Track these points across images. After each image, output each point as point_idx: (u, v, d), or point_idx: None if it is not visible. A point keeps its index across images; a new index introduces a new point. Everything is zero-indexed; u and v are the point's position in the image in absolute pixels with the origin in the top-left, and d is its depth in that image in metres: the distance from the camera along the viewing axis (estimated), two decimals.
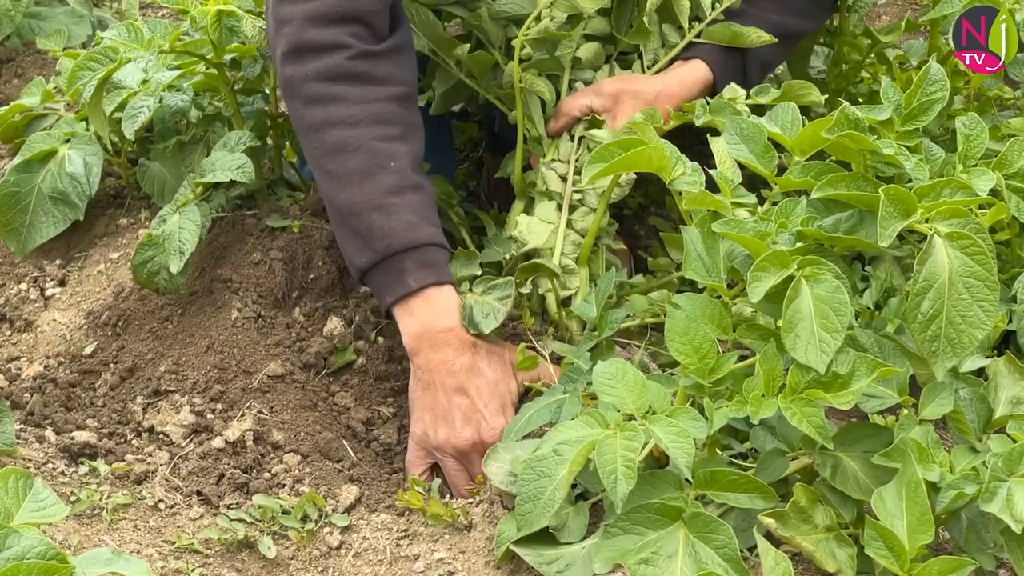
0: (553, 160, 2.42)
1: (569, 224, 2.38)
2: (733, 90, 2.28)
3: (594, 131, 2.39)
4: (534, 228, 2.37)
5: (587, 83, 2.46)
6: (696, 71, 2.47)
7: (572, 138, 2.43)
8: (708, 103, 2.23)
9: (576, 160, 2.41)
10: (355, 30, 2.24)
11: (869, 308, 2.18)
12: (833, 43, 2.88)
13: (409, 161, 2.22)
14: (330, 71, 2.21)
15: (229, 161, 2.44)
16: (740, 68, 2.51)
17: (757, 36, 2.46)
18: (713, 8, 2.46)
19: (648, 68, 2.48)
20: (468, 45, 2.47)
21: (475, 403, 2.15)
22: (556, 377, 2.16)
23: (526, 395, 2.21)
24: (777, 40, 2.47)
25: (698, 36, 2.47)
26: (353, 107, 2.20)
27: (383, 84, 2.24)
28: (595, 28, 2.43)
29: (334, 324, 2.38)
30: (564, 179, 2.41)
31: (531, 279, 2.35)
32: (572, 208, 2.39)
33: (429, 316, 2.17)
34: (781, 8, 2.52)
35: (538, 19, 2.36)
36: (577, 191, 2.39)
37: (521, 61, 2.39)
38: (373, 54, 2.24)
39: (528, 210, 2.43)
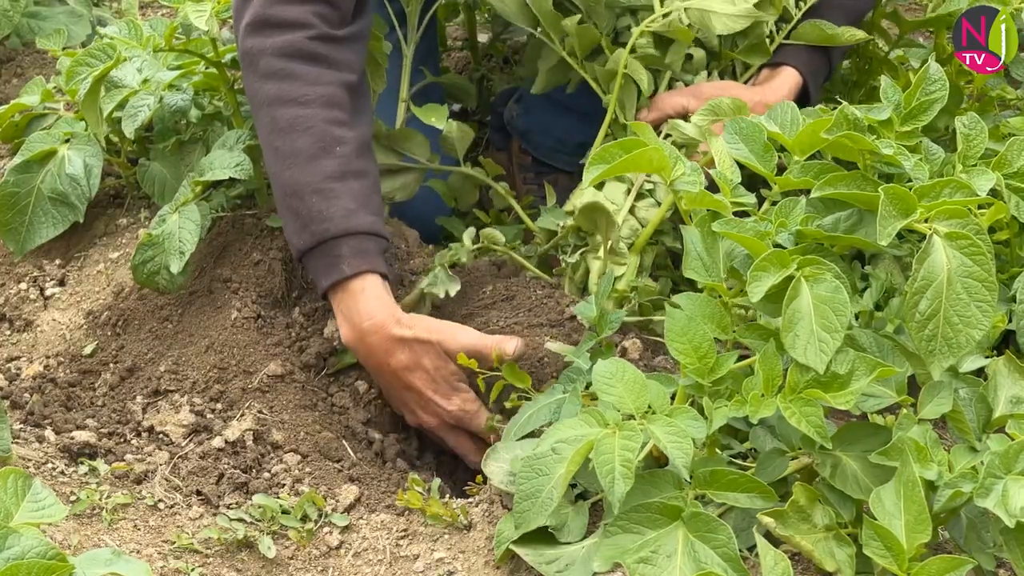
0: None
1: (632, 211, 2.37)
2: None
3: (680, 123, 2.41)
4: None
5: (685, 83, 2.49)
6: (789, 79, 2.52)
7: (657, 132, 2.44)
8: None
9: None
10: (320, 10, 2.29)
11: (869, 308, 2.18)
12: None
13: (355, 147, 2.27)
14: (290, 47, 2.26)
15: (227, 159, 2.44)
16: (826, 65, 2.55)
17: (851, 35, 2.48)
18: (797, 7, 2.47)
19: (740, 75, 2.52)
20: (577, 18, 2.49)
21: (424, 393, 2.24)
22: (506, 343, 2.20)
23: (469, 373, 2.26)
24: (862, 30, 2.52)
25: (786, 37, 2.49)
26: (307, 87, 2.25)
27: (339, 69, 2.29)
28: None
29: (334, 326, 2.38)
30: None
31: (580, 250, 2.35)
32: (640, 196, 2.38)
33: (356, 314, 2.23)
34: None
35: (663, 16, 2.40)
36: (649, 181, 2.40)
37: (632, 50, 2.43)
38: (334, 38, 2.29)
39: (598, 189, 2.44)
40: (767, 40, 2.53)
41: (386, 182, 2.56)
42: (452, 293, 2.37)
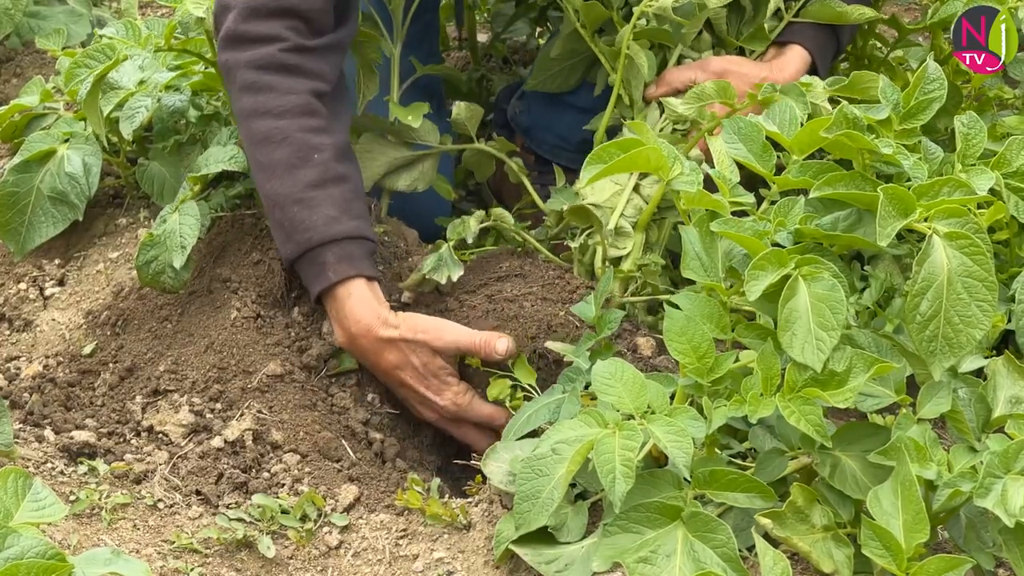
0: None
1: (637, 189, 2.38)
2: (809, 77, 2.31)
3: (672, 100, 2.42)
4: (600, 185, 2.38)
5: (692, 60, 2.50)
6: (797, 57, 2.53)
7: (662, 109, 2.46)
8: (776, 87, 2.24)
9: (660, 129, 2.44)
10: (293, 24, 2.32)
11: (869, 308, 2.18)
12: (857, 39, 2.87)
13: (333, 153, 2.30)
14: (262, 60, 2.30)
15: (221, 153, 2.47)
16: (835, 44, 2.57)
17: (860, 13, 2.48)
18: None
19: (750, 52, 2.54)
20: None
21: (417, 390, 2.29)
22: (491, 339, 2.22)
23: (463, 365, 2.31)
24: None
25: (796, 16, 2.51)
26: (281, 97, 2.29)
27: (311, 78, 2.32)
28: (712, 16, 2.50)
29: (329, 327, 2.38)
30: None
31: (586, 233, 2.37)
32: (644, 174, 2.38)
33: (344, 319, 2.28)
34: None
35: None
36: None
37: (636, 27, 2.44)
38: (306, 48, 2.32)
39: None
40: (776, 17, 2.54)
41: (404, 176, 2.57)
42: (455, 278, 2.38)
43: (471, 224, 2.47)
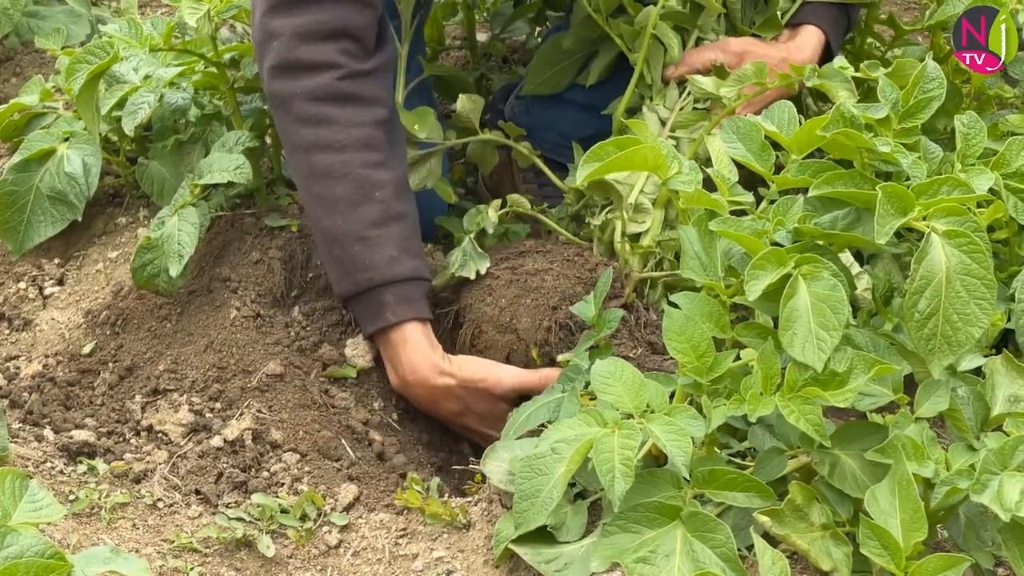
0: (658, 104, 2.47)
1: None
2: (842, 60, 2.32)
3: (698, 77, 2.44)
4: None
5: (709, 41, 2.53)
6: (813, 36, 2.55)
7: (681, 89, 2.48)
8: (818, 69, 2.28)
9: (680, 108, 2.46)
10: (345, 46, 2.26)
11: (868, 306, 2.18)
12: (855, 37, 2.87)
13: (393, 189, 2.27)
14: (320, 91, 2.24)
15: (227, 162, 2.44)
16: (846, 22, 2.59)
17: None
18: None
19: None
20: None
21: (481, 431, 2.30)
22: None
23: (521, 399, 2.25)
24: None
25: None
26: (341, 131, 2.24)
27: (371, 105, 2.27)
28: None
29: (357, 347, 2.39)
30: (663, 123, 2.45)
31: (605, 210, 2.37)
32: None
33: (400, 365, 2.28)
34: None
35: None
36: (672, 136, 2.42)
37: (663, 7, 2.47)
38: (362, 73, 2.27)
39: None
40: None
41: (413, 176, 2.57)
42: (483, 271, 2.37)
43: (490, 214, 2.46)
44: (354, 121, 2.25)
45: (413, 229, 2.31)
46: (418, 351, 2.26)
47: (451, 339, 2.41)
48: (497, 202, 2.51)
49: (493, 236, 2.50)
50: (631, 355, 2.20)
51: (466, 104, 2.65)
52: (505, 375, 2.25)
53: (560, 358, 2.22)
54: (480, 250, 2.41)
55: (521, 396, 2.24)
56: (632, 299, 2.29)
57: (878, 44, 2.92)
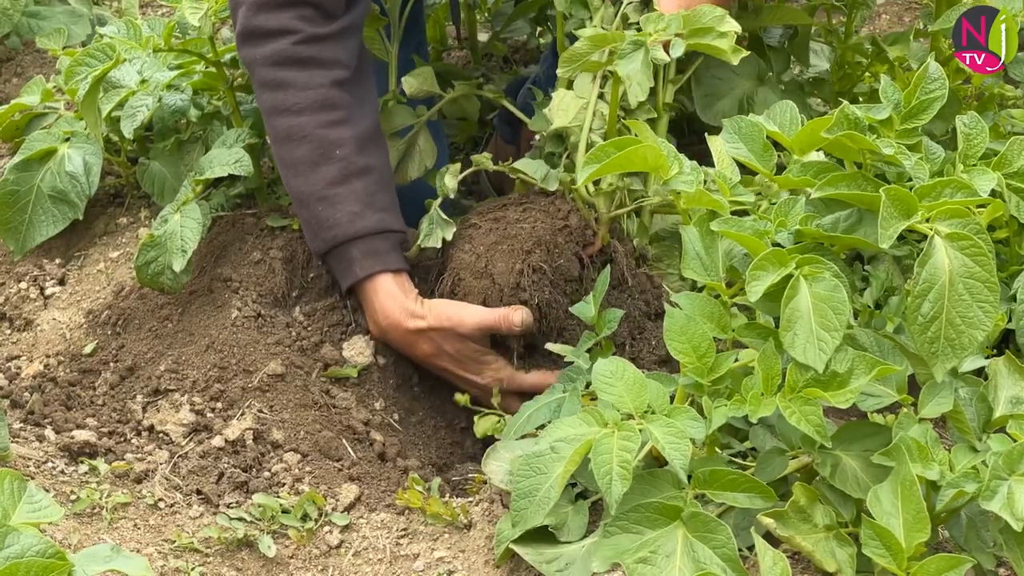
0: (595, 27, 2.41)
1: (602, 96, 2.36)
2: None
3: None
4: (563, 106, 2.37)
5: None
6: None
7: (615, 9, 2.43)
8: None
9: (615, 27, 2.41)
10: (304, 12, 2.32)
11: (869, 307, 2.18)
12: (836, 46, 2.88)
13: (354, 145, 2.32)
14: (277, 56, 2.31)
15: (226, 156, 2.46)
16: None
17: None
18: None
19: None
20: None
21: (456, 373, 2.34)
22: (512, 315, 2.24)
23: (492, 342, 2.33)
24: None
25: None
26: (298, 94, 2.30)
27: (329, 68, 2.32)
28: None
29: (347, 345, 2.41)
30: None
31: (565, 154, 2.38)
32: (604, 82, 2.36)
33: (374, 314, 2.34)
34: None
35: None
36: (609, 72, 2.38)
37: None
38: (320, 37, 2.32)
39: (570, 87, 2.42)
40: None
41: (410, 165, 2.57)
42: (449, 237, 2.38)
43: (447, 181, 2.42)
44: (310, 83, 2.31)
45: (379, 182, 2.35)
46: (389, 297, 2.32)
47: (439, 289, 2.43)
48: (456, 166, 2.47)
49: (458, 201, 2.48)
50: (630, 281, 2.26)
51: (414, 82, 2.60)
52: (468, 315, 2.28)
53: (548, 346, 2.23)
54: (446, 218, 2.40)
55: (487, 335, 2.29)
56: (608, 241, 2.29)
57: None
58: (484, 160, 2.45)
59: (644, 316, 2.29)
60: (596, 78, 2.35)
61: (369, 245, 2.31)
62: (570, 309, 2.29)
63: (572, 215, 2.32)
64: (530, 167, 2.37)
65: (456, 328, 2.28)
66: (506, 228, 2.34)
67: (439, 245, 2.38)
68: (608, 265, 2.26)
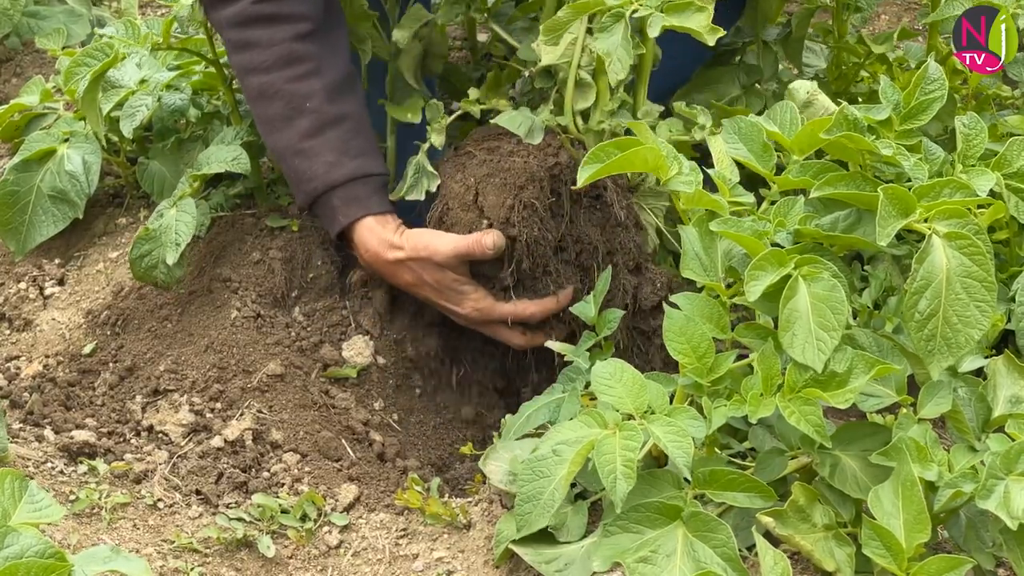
0: None
1: (590, 32, 2.30)
2: None
3: None
4: (552, 44, 2.35)
5: None
6: None
7: None
8: None
9: None
10: None
11: (868, 307, 2.18)
12: (831, 45, 2.88)
13: (324, 96, 2.33)
14: (240, 16, 2.33)
15: (225, 153, 2.47)
16: None
17: None
18: None
19: None
20: None
21: (439, 303, 2.36)
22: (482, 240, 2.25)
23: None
24: None
25: None
26: (264, 51, 2.33)
27: (291, 22, 2.34)
28: None
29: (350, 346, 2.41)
30: None
31: (555, 88, 2.36)
32: (591, 19, 2.30)
33: (359, 250, 2.37)
34: None
35: None
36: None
37: None
38: None
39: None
40: None
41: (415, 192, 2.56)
42: (433, 189, 2.36)
43: (433, 138, 2.39)
44: (274, 39, 2.32)
45: (354, 128, 2.36)
46: (371, 233, 2.34)
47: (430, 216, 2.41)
48: (444, 121, 2.42)
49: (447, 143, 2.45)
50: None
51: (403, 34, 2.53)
52: (442, 243, 2.29)
53: (548, 344, 2.22)
54: (432, 169, 2.38)
55: (464, 262, 2.28)
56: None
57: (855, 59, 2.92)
58: (471, 105, 2.44)
59: (638, 249, 2.29)
60: (583, 20, 2.33)
61: (349, 192, 2.33)
62: (571, 310, 2.28)
63: (562, 152, 2.31)
64: (512, 122, 2.35)
65: (432, 257, 2.29)
66: (499, 161, 2.32)
67: (422, 197, 2.37)
68: (608, 268, 2.24)
